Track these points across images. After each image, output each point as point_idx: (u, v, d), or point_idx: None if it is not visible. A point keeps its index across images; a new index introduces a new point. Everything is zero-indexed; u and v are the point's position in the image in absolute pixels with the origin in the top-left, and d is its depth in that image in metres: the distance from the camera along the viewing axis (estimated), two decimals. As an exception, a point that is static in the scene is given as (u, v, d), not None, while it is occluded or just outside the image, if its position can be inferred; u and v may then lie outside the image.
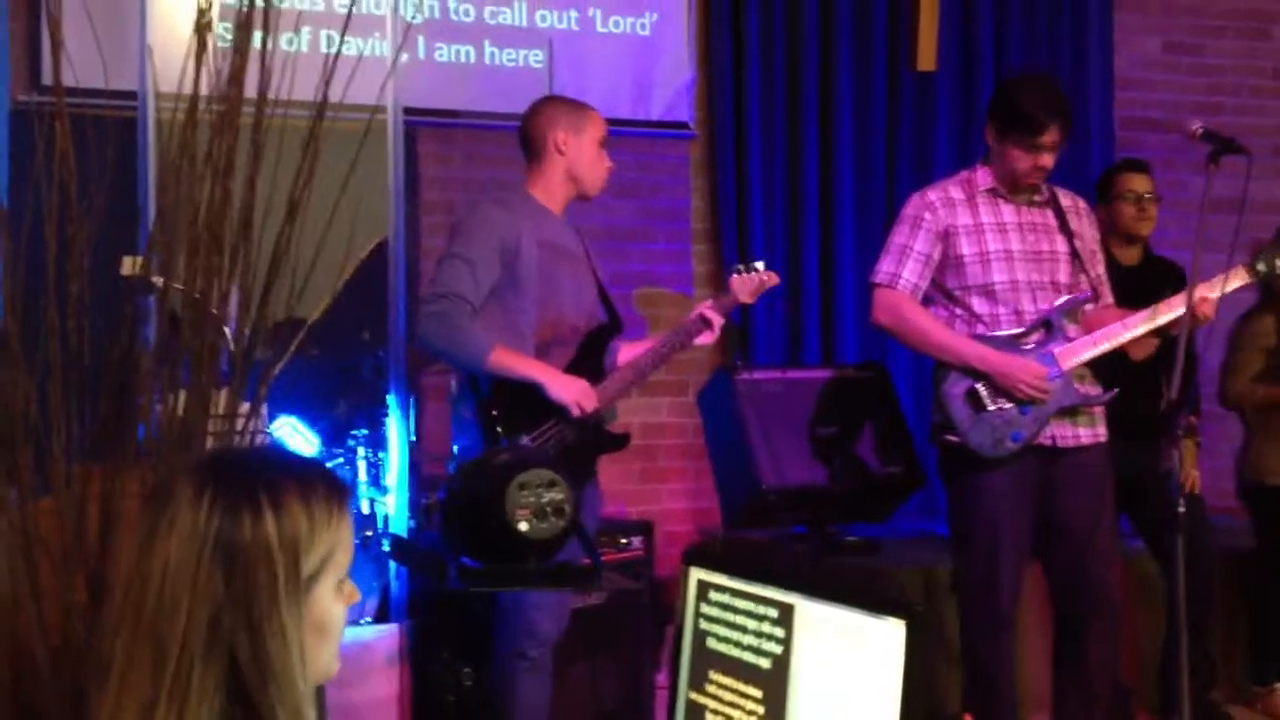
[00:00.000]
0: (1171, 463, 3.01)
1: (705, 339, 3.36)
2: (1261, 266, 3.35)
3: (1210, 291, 3.26)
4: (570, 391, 3.03)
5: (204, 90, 2.38)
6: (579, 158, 3.18)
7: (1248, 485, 4.34)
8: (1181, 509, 2.98)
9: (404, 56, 4.42)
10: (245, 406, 2.33)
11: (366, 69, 3.26)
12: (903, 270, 3.45)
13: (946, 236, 3.42)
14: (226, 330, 2.38)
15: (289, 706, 1.25)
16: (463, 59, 4.75)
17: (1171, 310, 3.31)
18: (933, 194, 3.49)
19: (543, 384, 3.00)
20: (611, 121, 4.93)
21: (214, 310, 2.24)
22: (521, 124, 3.25)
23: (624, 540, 3.77)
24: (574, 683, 3.31)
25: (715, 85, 5.11)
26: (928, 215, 3.44)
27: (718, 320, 3.33)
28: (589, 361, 3.13)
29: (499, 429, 2.98)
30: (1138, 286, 3.62)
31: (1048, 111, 3.32)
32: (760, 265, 3.45)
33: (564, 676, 3.23)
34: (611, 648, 3.68)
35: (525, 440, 2.99)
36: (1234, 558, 4.52)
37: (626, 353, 3.34)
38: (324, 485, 1.32)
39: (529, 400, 3.00)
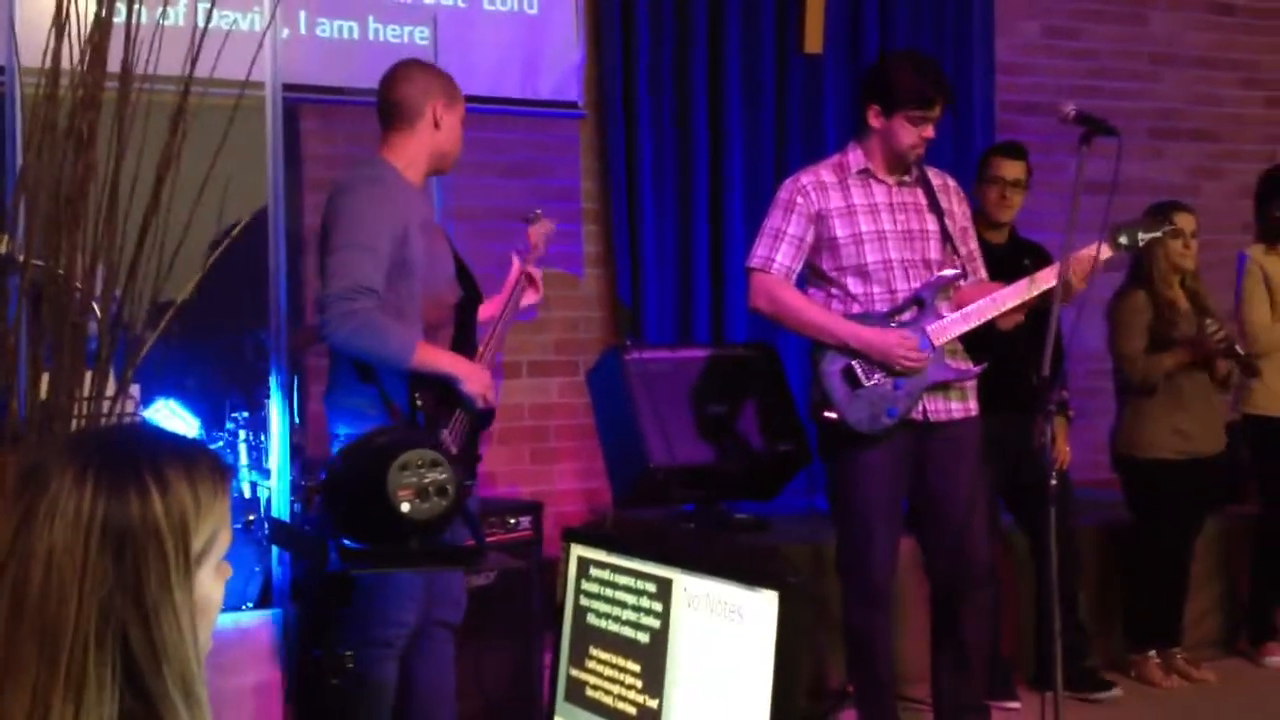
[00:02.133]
0: (1043, 437, 3.08)
1: (531, 297, 3.31)
2: (1123, 239, 3.44)
3: (1079, 263, 3.33)
4: (480, 383, 2.96)
5: (71, 64, 2.30)
6: (450, 135, 3.06)
7: (1121, 458, 4.47)
8: (1054, 482, 3.05)
9: (285, 32, 4.33)
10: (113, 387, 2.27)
11: (247, 44, 3.20)
12: (776, 254, 3.48)
13: (820, 219, 3.46)
14: (95, 308, 2.31)
15: (183, 689, 1.22)
16: (345, 35, 4.66)
17: (1039, 285, 3.38)
18: (805, 178, 3.52)
19: (461, 378, 2.92)
20: (499, 100, 4.97)
21: (79, 287, 2.16)
22: (387, 89, 3.05)
23: (512, 521, 3.75)
24: (462, 664, 3.29)
25: (605, 65, 5.10)
26: (800, 199, 3.48)
27: (538, 274, 3.29)
28: (466, 339, 3.07)
29: (423, 424, 2.88)
30: (1002, 267, 3.70)
31: (936, 85, 3.40)
32: (539, 212, 3.42)
33: (457, 657, 3.20)
34: (500, 628, 3.67)
35: (444, 433, 2.94)
36: (1108, 530, 4.65)
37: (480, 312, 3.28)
38: (207, 463, 1.29)
39: (439, 392, 2.93)
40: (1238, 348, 4.26)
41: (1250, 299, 4.57)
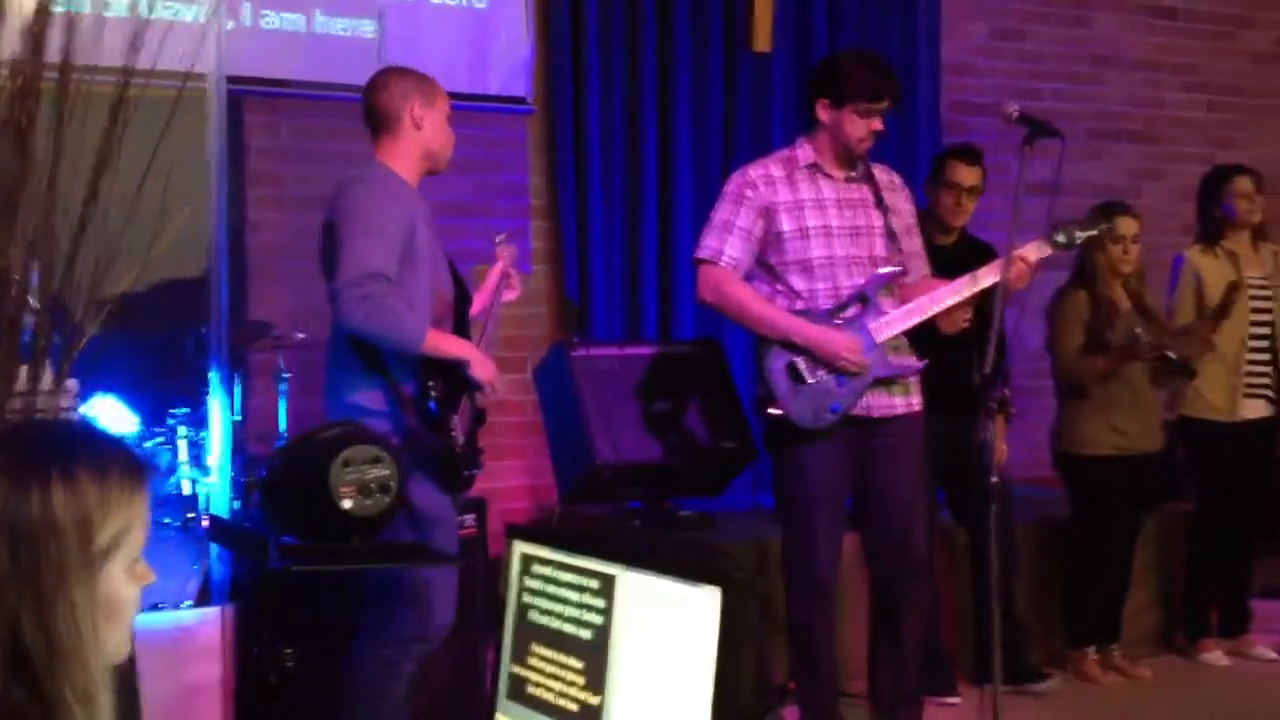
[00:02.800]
0: (985, 435, 3.10)
1: (509, 295, 3.39)
2: (1061, 238, 3.48)
3: (1024, 256, 3.37)
4: (490, 371, 3.00)
5: (10, 53, 2.27)
6: (434, 133, 3.10)
7: (1061, 456, 4.52)
8: (995, 479, 3.08)
9: (229, 24, 4.29)
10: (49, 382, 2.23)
11: (191, 35, 3.16)
12: (725, 247, 3.49)
13: (768, 213, 3.47)
14: (31, 301, 2.27)
15: (77, 688, 1.21)
16: (291, 27, 4.63)
17: (979, 283, 3.42)
18: (754, 171, 3.53)
19: (471, 362, 2.95)
20: (450, 96, 4.94)
21: (15, 280, 2.13)
22: (368, 97, 3.13)
23: (457, 518, 3.72)
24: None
25: (554, 62, 5.09)
26: (749, 192, 3.49)
27: (516, 275, 3.36)
28: (462, 336, 3.10)
29: (436, 411, 2.89)
30: (951, 265, 3.73)
31: (884, 79, 3.43)
32: (505, 235, 3.54)
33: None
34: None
35: (454, 419, 2.95)
36: (1048, 527, 4.70)
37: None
38: (121, 461, 1.29)
39: (449, 380, 2.95)
40: (1170, 354, 4.29)
41: (1179, 304, 4.63)
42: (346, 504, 2.41)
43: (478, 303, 3.34)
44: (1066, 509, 4.58)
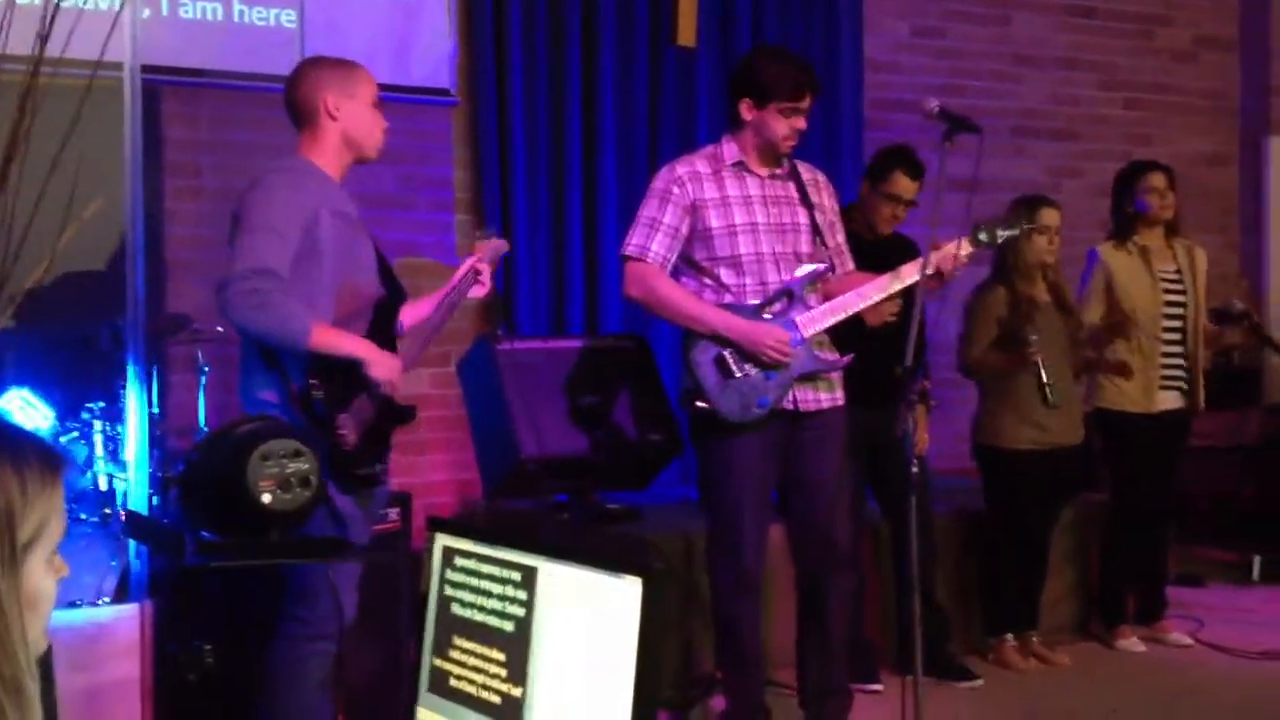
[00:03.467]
0: (906, 426, 3.14)
1: (478, 291, 3.27)
2: (982, 236, 3.53)
3: (945, 258, 3.42)
4: (387, 369, 2.93)
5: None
6: (354, 122, 3.03)
7: (981, 448, 4.58)
8: (915, 470, 3.12)
9: (145, 12, 4.21)
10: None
11: (105, 24, 3.11)
12: (651, 243, 3.50)
13: (694, 210, 3.49)
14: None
15: (6, 678, 1.21)
16: (209, 16, 4.56)
17: (902, 280, 3.45)
18: (680, 168, 3.54)
19: (364, 360, 2.89)
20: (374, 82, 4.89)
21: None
22: (287, 90, 3.08)
23: (380, 513, 3.69)
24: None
25: (477, 54, 5.06)
26: (676, 189, 3.50)
27: (487, 270, 3.25)
28: (382, 334, 3.03)
29: (321, 409, 2.83)
30: (875, 260, 3.76)
31: (805, 76, 3.46)
32: (494, 232, 3.45)
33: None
34: (368, 622, 3.61)
35: (341, 418, 2.89)
36: (968, 517, 4.77)
37: (406, 314, 3.25)
38: (37, 454, 1.28)
39: (340, 377, 2.88)
40: (1043, 374, 4.28)
41: (1088, 299, 4.71)
42: (265, 498, 2.37)
43: (428, 301, 3.27)
44: (985, 499, 4.64)
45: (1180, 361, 4.73)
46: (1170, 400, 4.73)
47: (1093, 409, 4.76)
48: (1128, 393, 4.68)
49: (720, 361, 3.44)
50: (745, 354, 3.43)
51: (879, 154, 4.38)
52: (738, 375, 3.43)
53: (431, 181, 5.07)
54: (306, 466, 2.41)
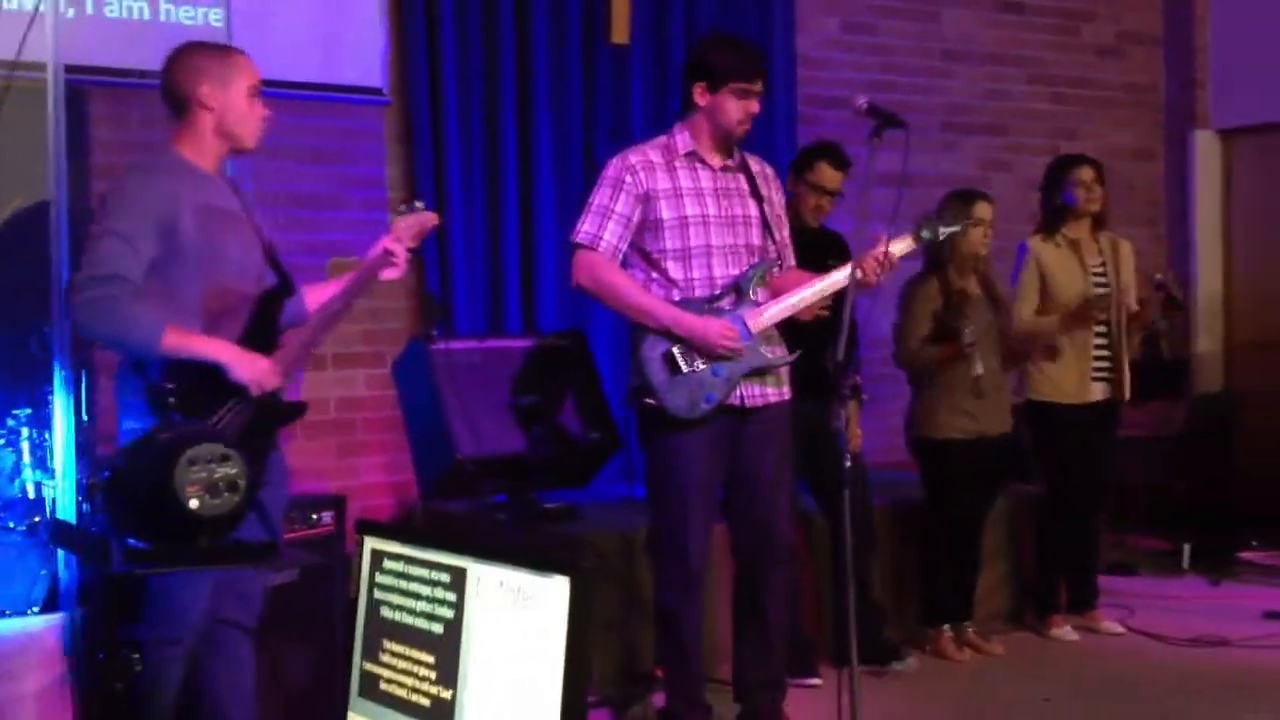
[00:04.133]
0: (839, 421, 3.16)
1: (391, 274, 3.13)
2: (925, 233, 3.57)
3: (894, 251, 3.47)
4: (253, 370, 2.85)
5: None
6: (228, 112, 2.95)
7: (914, 440, 4.63)
8: (849, 463, 3.15)
9: (70, 11, 4.15)
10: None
11: (27, 23, 3.06)
12: (604, 232, 3.48)
13: (647, 200, 3.48)
14: None
15: None
16: (135, 15, 4.49)
17: (840, 279, 3.47)
18: (633, 157, 3.53)
19: (225, 364, 2.82)
20: (300, 85, 4.86)
21: None
22: (162, 77, 2.99)
23: (314, 516, 3.67)
24: (262, 664, 3.20)
25: (409, 52, 5.03)
26: (629, 178, 3.49)
27: (402, 251, 3.10)
28: (262, 329, 2.97)
29: (175, 415, 2.76)
30: (801, 254, 3.79)
31: (758, 57, 3.49)
32: (420, 205, 3.22)
33: (256, 658, 3.12)
34: (303, 626, 3.60)
35: (211, 422, 2.82)
36: (903, 509, 4.82)
37: (315, 295, 3.18)
38: None
39: (205, 380, 2.82)
40: (977, 369, 4.41)
41: (1021, 291, 4.77)
42: (193, 504, 2.35)
43: (336, 283, 3.18)
44: (920, 491, 4.69)
45: (1106, 353, 4.80)
46: (1099, 391, 4.80)
47: (1025, 400, 4.82)
48: (1060, 384, 4.75)
49: (668, 358, 3.44)
50: (693, 350, 3.43)
51: (804, 148, 4.50)
52: (685, 371, 3.43)
53: (364, 181, 5.03)
54: (234, 471, 2.39)
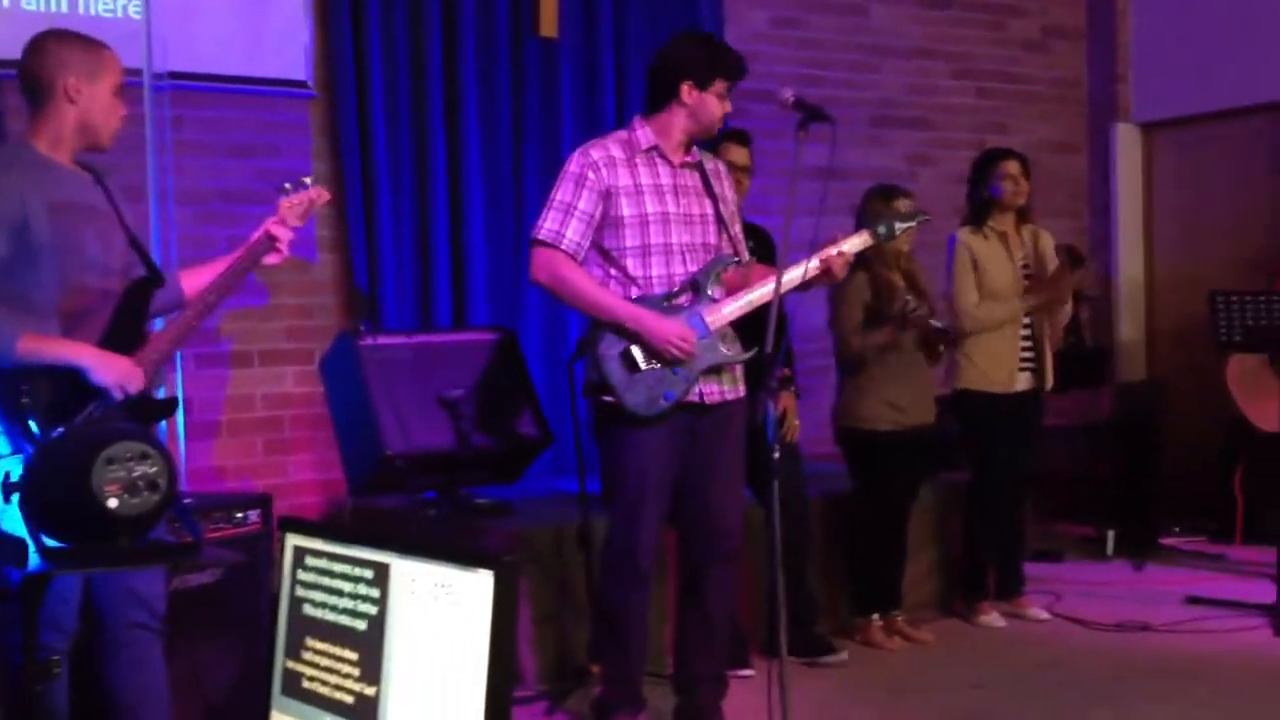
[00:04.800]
0: (767, 412, 3.18)
1: (273, 259, 3.07)
2: (882, 229, 3.61)
3: (846, 248, 3.53)
4: (114, 373, 2.76)
5: None
6: (93, 108, 2.86)
7: (842, 431, 4.66)
8: (777, 455, 3.17)
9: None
10: None
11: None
12: (566, 230, 3.46)
13: (609, 196, 3.46)
14: None
15: None
16: (54, 8, 4.41)
17: (810, 272, 3.49)
18: (595, 152, 3.51)
19: (85, 368, 2.73)
20: (223, 79, 4.80)
21: None
22: (22, 62, 2.87)
23: (239, 515, 3.62)
24: (184, 664, 3.17)
25: (334, 45, 4.97)
26: (591, 174, 3.47)
27: (285, 234, 3.05)
28: (127, 326, 2.88)
29: (32, 421, 2.67)
30: None
31: (741, 59, 3.54)
32: (308, 180, 3.18)
33: (174, 659, 3.08)
34: (228, 627, 3.55)
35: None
36: (835, 500, 4.85)
37: (194, 280, 3.08)
38: None
39: (63, 384, 2.73)
40: (934, 321, 4.49)
41: (959, 282, 4.83)
42: (112, 503, 2.30)
43: (211, 269, 3.08)
44: (850, 482, 4.72)
45: (1030, 343, 4.88)
46: (1025, 381, 4.88)
47: (952, 390, 4.88)
48: (989, 374, 4.81)
49: (627, 355, 3.43)
50: (652, 348, 3.43)
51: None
52: (644, 369, 3.43)
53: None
54: (154, 470, 2.34)
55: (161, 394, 3.00)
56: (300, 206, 3.10)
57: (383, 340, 4.36)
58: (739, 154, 4.39)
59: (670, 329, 3.40)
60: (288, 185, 3.13)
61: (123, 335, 2.85)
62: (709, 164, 3.63)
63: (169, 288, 3.04)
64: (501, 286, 5.26)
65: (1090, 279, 5.53)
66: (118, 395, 2.77)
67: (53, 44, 2.89)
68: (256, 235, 3.05)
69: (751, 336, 3.60)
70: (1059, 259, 4.85)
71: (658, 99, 3.53)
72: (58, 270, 2.77)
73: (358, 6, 4.98)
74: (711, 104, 3.49)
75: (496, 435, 4.38)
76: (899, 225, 3.68)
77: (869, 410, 4.54)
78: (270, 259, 3.06)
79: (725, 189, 3.64)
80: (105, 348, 2.82)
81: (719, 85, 3.48)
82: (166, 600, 2.97)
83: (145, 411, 2.86)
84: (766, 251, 3.95)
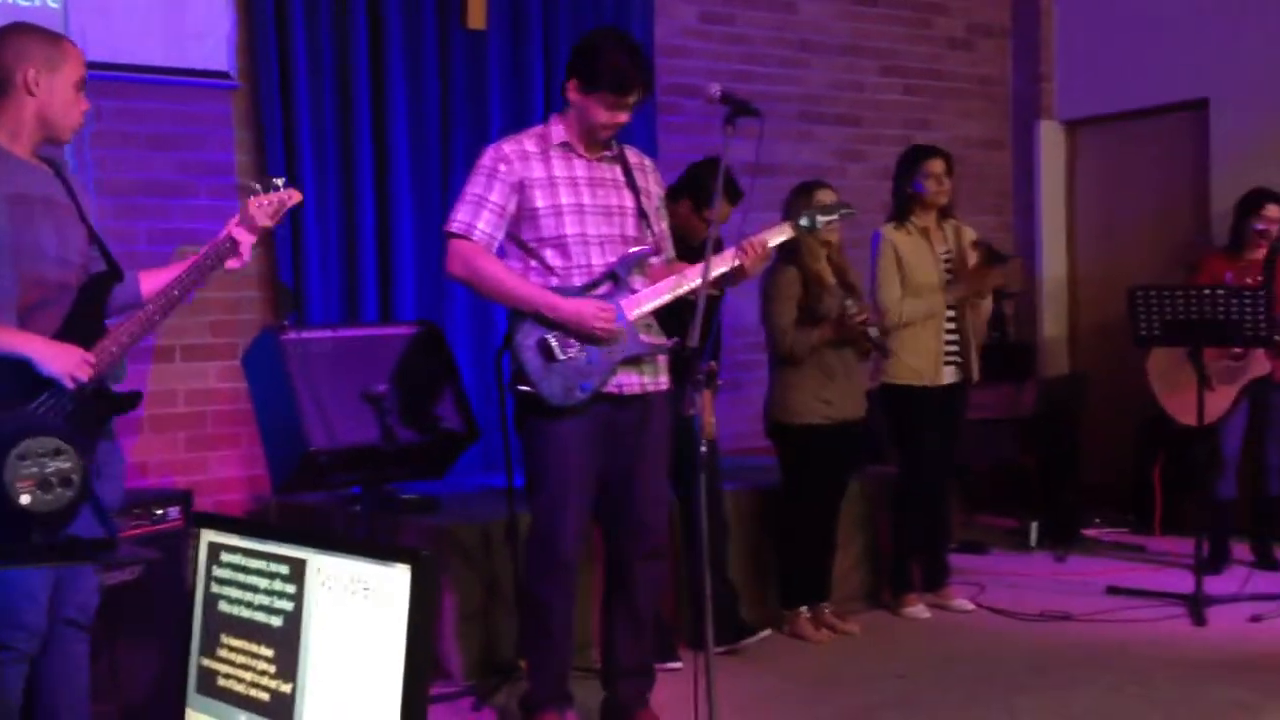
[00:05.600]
0: (693, 407, 3.18)
1: (234, 263, 3.02)
2: (804, 221, 3.62)
3: (769, 240, 3.55)
4: (62, 363, 2.74)
5: None
6: (52, 99, 2.83)
7: (773, 425, 4.69)
8: (704, 449, 3.17)
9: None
10: None
11: None
12: (478, 221, 3.46)
13: (521, 189, 3.46)
14: None
15: None
16: (-34, -5, 4.31)
17: (725, 263, 3.50)
18: (508, 146, 3.51)
19: (33, 358, 2.70)
20: (144, 69, 4.72)
21: None
22: None
23: (160, 511, 3.57)
24: (104, 663, 3.11)
25: (257, 35, 4.90)
26: (503, 167, 3.46)
27: (247, 240, 3.01)
28: (86, 318, 2.86)
29: None
30: None
31: (636, 74, 3.43)
32: (280, 182, 3.12)
33: (94, 658, 3.03)
34: (147, 625, 3.49)
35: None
36: (765, 493, 4.88)
37: (153, 281, 3.05)
38: None
39: (14, 374, 2.70)
40: (872, 331, 4.51)
41: (883, 277, 4.87)
42: (25, 500, 2.25)
43: (169, 271, 3.05)
44: (778, 476, 4.75)
45: (955, 337, 4.93)
46: (950, 374, 4.93)
47: (880, 384, 4.92)
48: (916, 368, 4.85)
49: (543, 345, 3.42)
50: (570, 336, 3.42)
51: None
52: (561, 359, 3.42)
53: (211, 167, 4.89)
54: (68, 465, 2.29)
55: (122, 387, 2.96)
56: (270, 207, 3.05)
57: (306, 335, 4.30)
58: (724, 212, 4.21)
59: (587, 307, 3.40)
60: (257, 185, 3.09)
61: (80, 328, 2.84)
62: (633, 157, 3.63)
63: (127, 284, 3.01)
64: (429, 280, 5.22)
65: (1014, 275, 5.58)
66: (69, 385, 2.74)
67: (12, 35, 2.87)
68: (220, 236, 3.01)
69: (681, 329, 3.60)
70: (977, 254, 4.91)
71: (562, 93, 3.54)
72: (13, 263, 2.74)
73: (281, -3, 4.91)
74: (594, 108, 3.44)
75: (422, 430, 4.34)
76: (821, 218, 3.70)
77: (800, 404, 4.57)
78: (231, 263, 3.01)
79: (650, 183, 3.64)
80: (62, 340, 2.80)
81: (605, 95, 3.42)
82: (99, 597, 2.93)
83: (103, 405, 2.84)
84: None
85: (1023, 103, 7.31)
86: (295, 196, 3.14)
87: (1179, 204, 6.85)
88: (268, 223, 3.05)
